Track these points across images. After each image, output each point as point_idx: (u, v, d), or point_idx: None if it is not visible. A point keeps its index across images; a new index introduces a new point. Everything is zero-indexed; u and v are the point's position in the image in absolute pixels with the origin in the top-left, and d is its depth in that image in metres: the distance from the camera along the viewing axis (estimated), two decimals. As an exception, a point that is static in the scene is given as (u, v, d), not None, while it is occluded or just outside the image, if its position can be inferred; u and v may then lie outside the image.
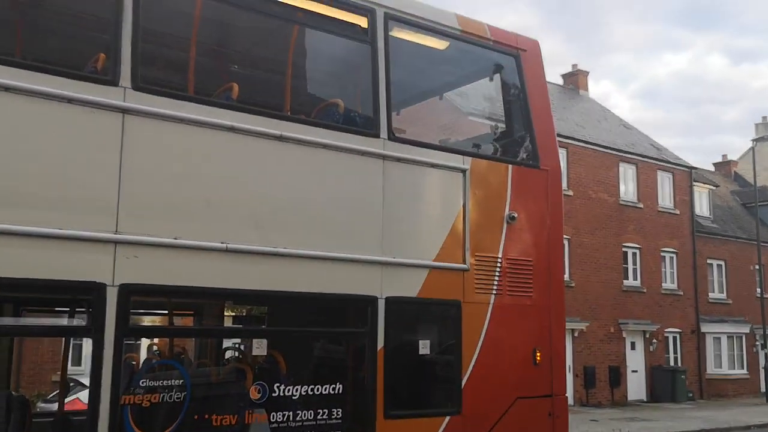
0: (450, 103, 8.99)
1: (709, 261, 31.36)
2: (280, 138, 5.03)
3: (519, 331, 6.19)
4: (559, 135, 20.05)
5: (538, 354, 6.20)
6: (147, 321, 5.97)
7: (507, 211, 6.23)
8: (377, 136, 5.54)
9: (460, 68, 7.18)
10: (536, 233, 6.46)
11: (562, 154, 15.52)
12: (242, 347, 5.98)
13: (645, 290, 28.27)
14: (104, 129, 4.37)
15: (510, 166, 6.43)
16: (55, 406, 9.85)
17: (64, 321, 5.19)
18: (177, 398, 4.61)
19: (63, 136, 4.26)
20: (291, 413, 4.94)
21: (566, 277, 23.41)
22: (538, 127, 6.62)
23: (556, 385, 6.32)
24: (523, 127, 6.71)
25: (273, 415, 4.89)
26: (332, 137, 5.30)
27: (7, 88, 4.04)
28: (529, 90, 6.65)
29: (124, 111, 4.41)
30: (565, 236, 6.73)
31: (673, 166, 30.36)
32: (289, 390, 5.01)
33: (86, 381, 8.13)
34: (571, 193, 25.56)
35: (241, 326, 6.46)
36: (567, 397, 6.55)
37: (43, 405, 11.04)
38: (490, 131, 7.32)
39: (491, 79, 6.90)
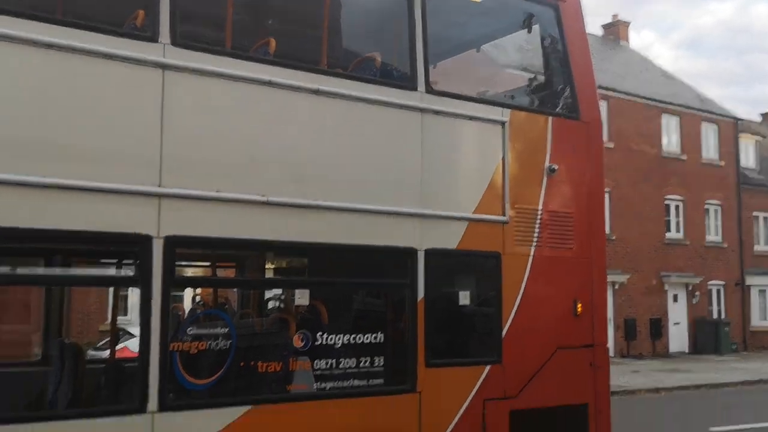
0: (487, 55, 8.84)
1: (755, 213, 30.73)
2: (317, 92, 5.05)
3: (559, 283, 6.20)
4: (600, 87, 19.62)
5: (579, 305, 6.22)
6: (191, 272, 6.13)
7: (547, 164, 6.20)
8: (415, 89, 5.51)
9: (498, 20, 7.06)
10: (576, 186, 6.42)
11: (602, 106, 15.22)
12: (284, 298, 6.11)
13: (688, 243, 27.90)
14: (145, 84, 4.44)
15: (550, 118, 6.37)
16: (103, 354, 10.28)
17: (113, 272, 5.35)
18: (223, 346, 4.76)
19: (106, 92, 4.35)
20: (333, 361, 5.07)
21: (607, 230, 23.16)
22: (578, 79, 6.52)
23: (597, 335, 6.34)
24: (563, 79, 6.62)
25: (316, 363, 5.02)
26: (369, 91, 5.30)
27: (50, 45, 4.12)
28: (568, 41, 6.53)
29: (164, 67, 4.47)
30: (606, 189, 6.67)
31: (718, 117, 29.57)
32: (331, 339, 5.13)
33: (133, 330, 8.43)
34: (612, 145, 25.13)
35: (283, 277, 6.58)
36: (608, 347, 6.57)
37: (92, 353, 11.49)
38: (529, 83, 7.22)
39: (530, 31, 6.77)
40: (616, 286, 25.42)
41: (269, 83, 4.85)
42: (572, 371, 6.18)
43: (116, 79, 4.36)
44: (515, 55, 13.16)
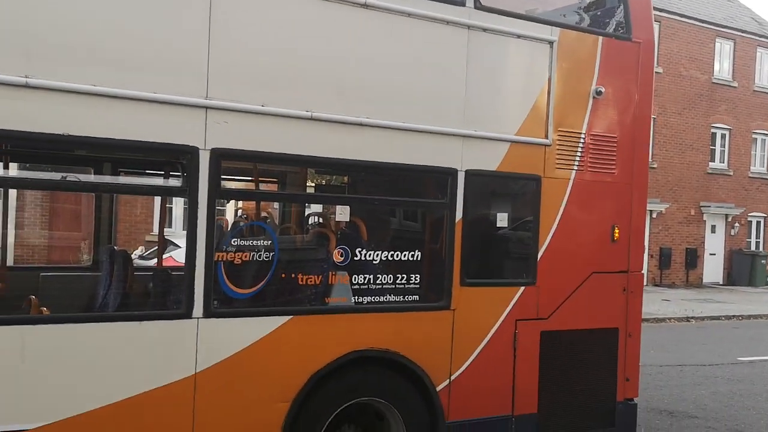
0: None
1: (805, 145, 29.74)
2: (365, 5, 4.97)
3: (598, 208, 6.18)
4: (654, 7, 18.82)
5: (617, 231, 6.22)
6: (236, 185, 6.24)
7: (594, 86, 6.07)
8: (463, 4, 5.39)
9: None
10: (623, 109, 6.29)
11: (654, 27, 14.66)
12: (325, 214, 6.21)
13: (731, 173, 27.28)
14: None
15: (600, 38, 6.18)
16: (148, 263, 10.63)
17: (161, 182, 5.47)
18: (266, 258, 4.89)
19: (155, 4, 4.33)
20: (371, 276, 5.18)
21: (649, 157, 22.72)
22: (632, -6, 6.28)
23: (632, 262, 6.35)
24: (617, -5, 6.37)
25: (354, 278, 5.14)
26: (417, 5, 5.19)
27: None
28: None
29: None
30: (651, 115, 6.52)
31: (776, 42, 28.25)
32: (369, 255, 5.23)
33: (178, 242, 8.66)
34: (660, 70, 24.32)
35: (325, 193, 6.66)
36: (643, 274, 6.59)
37: (139, 261, 11.89)
38: (581, 1, 6.97)
39: (583, -55, 6.49)
40: (654, 215, 25.14)
41: None
42: (605, 296, 6.23)
43: None
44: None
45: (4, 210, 6.52)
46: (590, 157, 6.08)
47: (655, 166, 24.40)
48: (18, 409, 4.00)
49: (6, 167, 5.45)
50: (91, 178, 5.50)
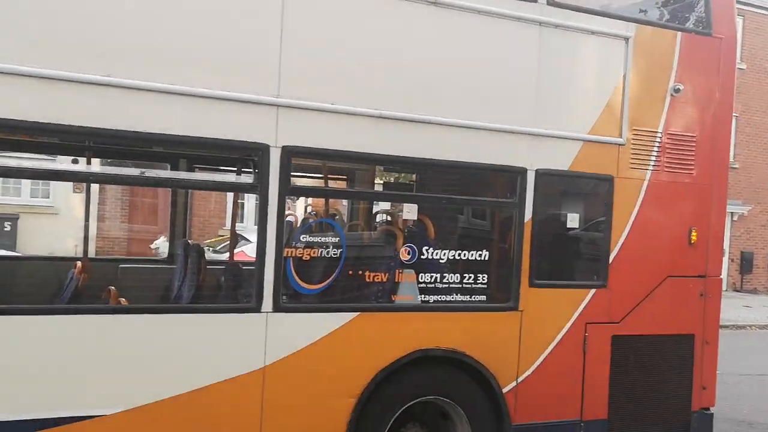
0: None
1: None
2: (435, 3, 4.95)
3: (675, 209, 5.98)
4: (736, 1, 18.09)
5: (694, 233, 6.00)
6: (305, 182, 6.33)
7: (672, 83, 5.87)
8: (535, 0, 5.30)
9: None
10: (702, 107, 6.06)
11: (737, 22, 14.08)
12: (392, 212, 6.23)
13: (820, 175, 25.91)
14: None
15: (679, 33, 5.97)
16: (220, 257, 10.92)
17: (233, 178, 5.60)
18: (334, 254, 4.93)
19: (230, 2, 4.43)
20: (438, 275, 5.16)
21: (731, 157, 21.86)
22: (713, -11, 6.05)
23: (710, 266, 6.12)
24: (700, -12, 6.15)
25: (421, 276, 5.13)
26: (487, 2, 5.14)
27: None
28: None
29: None
30: (733, 113, 6.26)
31: None
32: (436, 254, 5.21)
33: (248, 236, 8.85)
34: (744, 66, 23.31)
35: (393, 191, 6.67)
36: (721, 279, 6.34)
37: (211, 255, 12.23)
38: (659, -6, 6.75)
39: (664, -63, 6.29)
40: (735, 218, 24.14)
41: None
42: (681, 300, 6.03)
43: None
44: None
45: (87, 204, 6.82)
46: (667, 157, 5.89)
47: (737, 166, 23.43)
48: (98, 396, 4.17)
49: (89, 163, 5.69)
50: (168, 173, 5.68)
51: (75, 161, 5.68)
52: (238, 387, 4.48)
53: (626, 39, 5.66)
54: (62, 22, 4.03)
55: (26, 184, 15.68)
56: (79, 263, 5.63)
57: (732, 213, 23.70)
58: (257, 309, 4.52)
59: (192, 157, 5.99)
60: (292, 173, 4.65)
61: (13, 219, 15.72)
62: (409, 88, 4.96)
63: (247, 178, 5.07)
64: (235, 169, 5.87)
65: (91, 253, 7.54)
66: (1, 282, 5.73)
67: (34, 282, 5.88)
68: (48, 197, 15.44)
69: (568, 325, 5.56)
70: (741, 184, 23.64)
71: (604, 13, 5.85)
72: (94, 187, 12.45)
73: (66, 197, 14.29)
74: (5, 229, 15.24)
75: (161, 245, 13.11)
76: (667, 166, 5.90)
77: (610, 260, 5.71)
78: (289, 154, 4.56)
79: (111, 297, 4.81)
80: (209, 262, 5.96)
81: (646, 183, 5.81)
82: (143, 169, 4.87)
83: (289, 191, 4.64)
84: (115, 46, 4.14)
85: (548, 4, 5.34)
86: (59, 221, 15.03)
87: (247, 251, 8.19)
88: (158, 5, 4.27)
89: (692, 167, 6.01)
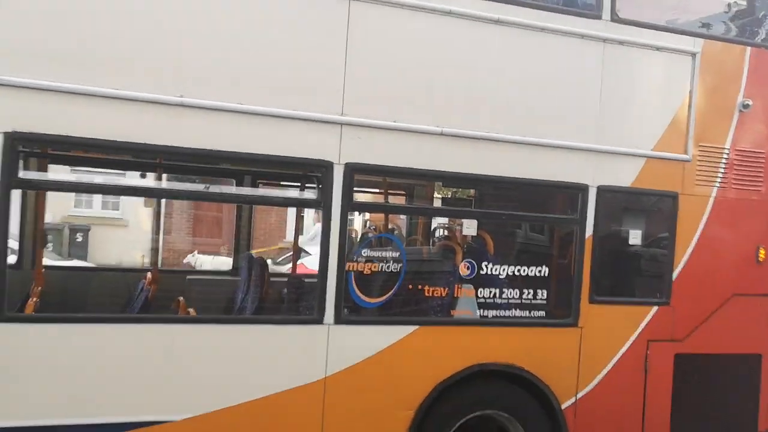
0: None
1: None
2: (498, 22, 5.00)
3: (742, 227, 5.84)
4: (810, 10, 17.40)
5: (762, 251, 5.85)
6: (367, 198, 6.44)
7: (740, 98, 5.76)
8: (599, 17, 5.29)
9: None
10: (772, 123, 5.92)
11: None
12: (451, 227, 6.28)
13: None
14: (331, 16, 4.61)
15: (748, 48, 5.86)
16: (281, 269, 11.13)
17: (299, 194, 5.75)
18: (394, 269, 5.01)
19: (296, 24, 4.58)
20: (497, 291, 5.18)
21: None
22: (786, 1, 5.92)
23: (779, 284, 5.95)
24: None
25: (480, 291, 5.16)
26: (550, 20, 5.16)
27: None
28: None
29: None
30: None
31: None
32: (496, 269, 5.23)
33: (309, 249, 9.00)
34: (817, 77, 22.41)
35: (453, 207, 6.73)
36: (791, 298, 6.15)
37: (272, 267, 12.46)
38: (727, 9, 6.63)
39: (730, -50, 6.19)
40: (807, 234, 23.19)
41: (449, 13, 4.86)
42: (748, 319, 5.88)
43: (307, 10, 4.57)
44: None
45: (157, 218, 7.10)
46: (734, 174, 5.78)
47: (809, 181, 22.52)
48: (167, 402, 4.34)
49: (159, 179, 5.94)
50: (239, 190, 5.87)
51: (143, 176, 5.93)
52: (300, 396, 4.59)
53: (693, 54, 5.59)
54: (142, 47, 4.25)
55: (98, 196, 16.29)
56: (149, 274, 5.86)
57: (804, 230, 22.77)
58: (320, 321, 4.63)
59: (257, 173, 6.18)
60: (354, 189, 4.75)
61: (85, 230, 16.36)
62: (471, 105, 5.00)
63: (311, 194, 5.20)
64: (299, 184, 6.03)
65: (159, 264, 7.80)
66: (76, 291, 5.99)
67: (106, 291, 6.15)
68: (118, 209, 16.04)
69: (629, 342, 5.49)
70: (814, 199, 22.68)
71: (669, 28, 5.79)
72: (162, 201, 12.88)
73: (135, 210, 14.82)
74: (77, 240, 15.88)
75: (196, 259, 13.47)
76: (734, 183, 5.78)
77: (674, 277, 5.62)
78: (352, 170, 4.67)
79: (180, 307, 4.99)
80: (273, 275, 6.11)
81: (712, 200, 5.71)
82: (216, 185, 5.06)
83: (351, 207, 4.74)
84: (189, 70, 4.33)
85: (612, 20, 5.31)
86: (128, 233, 15.60)
87: (307, 264, 8.35)
88: (232, 31, 4.44)
89: (760, 184, 5.87)
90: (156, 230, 7.29)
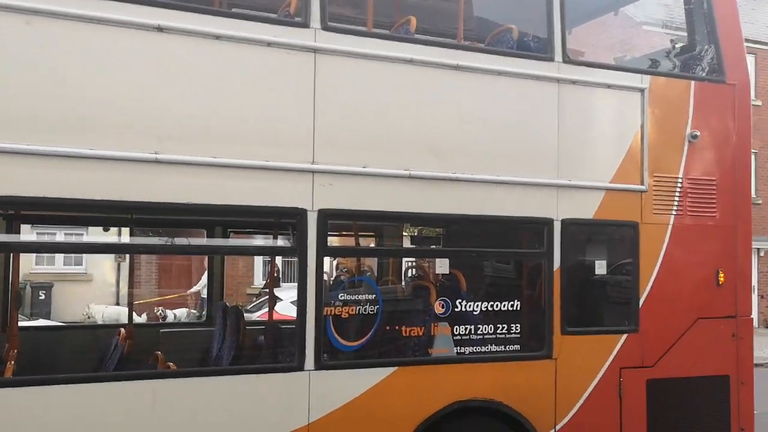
0: (626, 17, 8.60)
1: None
2: (457, 67, 5.20)
3: (701, 252, 6.07)
4: (747, 40, 18.28)
5: (722, 275, 6.08)
6: (338, 242, 6.52)
7: (689, 130, 6.04)
8: (551, 59, 5.54)
9: (639, -20, 6.87)
10: (721, 151, 6.21)
11: (749, 61, 14.38)
12: (424, 267, 6.39)
13: (844, 206, 25.67)
14: (299, 69, 4.76)
15: (692, 82, 6.17)
16: (252, 316, 11.07)
17: (271, 242, 5.81)
18: (371, 311, 5.09)
19: (265, 78, 4.70)
20: (472, 327, 5.29)
21: (753, 193, 21.72)
22: (724, 39, 6.26)
23: (740, 306, 6.17)
24: (708, 38, 6.37)
25: (456, 329, 5.27)
26: (507, 64, 5.39)
27: (218, 37, 4.52)
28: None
29: (315, 50, 4.77)
30: (752, 150, 6.41)
31: None
32: (469, 306, 5.35)
33: (280, 294, 8.99)
34: (759, 103, 23.40)
35: (426, 247, 6.86)
36: (752, 318, 6.39)
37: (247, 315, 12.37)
38: (670, 45, 6.99)
39: (672, -11, 6.56)
40: (761, 254, 23.91)
41: (411, 61, 5.05)
42: (713, 342, 6.07)
43: (273, 64, 4.71)
44: (654, 13, 12.58)
45: (130, 273, 7.07)
46: (689, 201, 6.02)
47: (759, 202, 23.32)
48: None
49: (132, 234, 5.95)
50: (214, 241, 5.90)
51: (106, 230, 5.92)
52: None
53: (641, 90, 5.86)
54: (116, 105, 4.32)
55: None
56: (122, 330, 5.82)
57: (758, 249, 23.49)
58: (300, 368, 4.67)
59: (229, 222, 6.23)
60: (328, 234, 4.85)
61: (48, 287, 16.03)
62: (437, 147, 5.17)
63: (285, 242, 5.28)
64: (271, 233, 6.09)
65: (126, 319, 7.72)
66: (48, 351, 5.91)
67: (78, 349, 6.07)
68: (81, 264, 15.80)
69: (603, 370, 5.63)
70: (765, 219, 23.48)
71: (618, 66, 6.09)
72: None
73: (99, 263, 14.64)
74: (40, 297, 15.56)
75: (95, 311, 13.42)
76: (690, 210, 6.02)
77: (640, 305, 5.80)
78: (325, 216, 4.78)
79: (159, 362, 4.98)
80: (248, 323, 6.12)
81: (670, 227, 5.94)
82: (187, 238, 5.10)
83: (326, 252, 4.83)
84: (164, 127, 4.42)
85: (564, 61, 5.56)
86: (92, 288, 15.34)
87: (280, 309, 8.35)
88: (204, 88, 4.54)
89: (715, 210, 6.13)
90: (131, 285, 7.23)
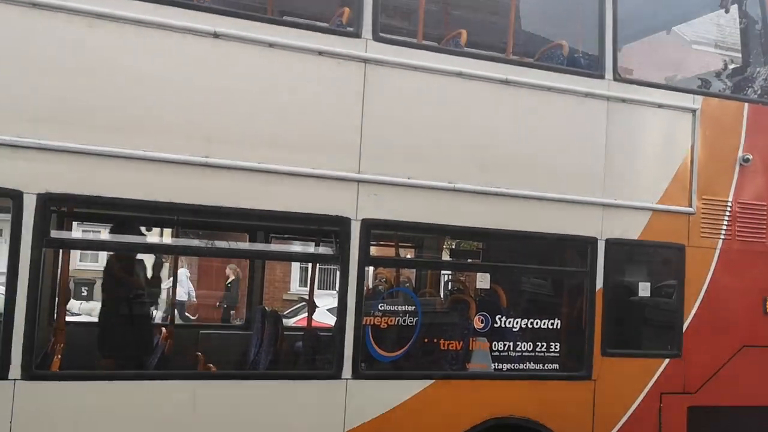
0: (677, 36, 8.47)
1: None
2: (506, 82, 5.19)
3: (748, 278, 5.93)
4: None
5: (769, 302, 5.94)
6: (381, 252, 6.54)
7: (740, 153, 5.93)
8: (602, 77, 5.49)
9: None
10: (772, 175, 6.07)
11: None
12: (465, 280, 6.37)
13: None
14: (349, 78, 4.79)
15: (745, 104, 6.06)
16: (288, 322, 11.14)
17: (318, 249, 5.86)
18: (410, 322, 5.09)
19: (315, 86, 4.75)
20: (511, 344, 5.25)
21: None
22: (779, 59, 6.14)
23: (787, 335, 6.01)
24: (763, 60, 6.26)
25: (494, 344, 5.23)
26: (556, 80, 5.35)
27: (271, 44, 4.59)
28: None
29: (366, 61, 4.81)
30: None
31: None
32: (509, 322, 5.30)
33: (318, 302, 9.03)
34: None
35: (467, 260, 6.83)
36: (800, 348, 6.20)
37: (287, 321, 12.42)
38: (724, 66, 6.87)
39: (727, 11, 6.45)
40: (808, 282, 23.21)
41: (460, 74, 5.05)
42: (759, 371, 5.92)
43: (324, 73, 4.75)
44: (708, 33, 12.36)
45: (174, 274, 7.18)
46: (738, 226, 5.91)
47: (808, 229, 22.66)
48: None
49: (176, 236, 6.04)
50: (255, 245, 5.95)
51: (149, 230, 6.01)
52: None
53: (693, 111, 5.77)
54: (171, 110, 4.41)
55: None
56: (164, 329, 5.91)
57: (805, 278, 22.80)
58: (337, 376, 4.68)
59: (272, 228, 6.29)
60: (370, 243, 4.86)
61: (91, 284, 16.32)
62: (482, 161, 5.16)
63: (327, 249, 5.31)
64: (313, 240, 6.13)
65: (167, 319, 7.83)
66: (91, 347, 6.02)
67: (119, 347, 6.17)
68: (96, 262, 16.01)
69: (643, 394, 5.53)
70: (813, 247, 22.80)
71: (669, 86, 6.01)
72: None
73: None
74: (82, 294, 15.84)
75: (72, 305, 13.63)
76: (738, 235, 5.90)
77: (684, 329, 5.69)
78: (369, 226, 4.79)
79: (200, 363, 5.04)
80: (286, 328, 6.16)
81: (717, 252, 5.82)
82: (233, 242, 5.17)
83: (368, 262, 4.85)
84: (217, 130, 4.49)
85: (615, 79, 5.51)
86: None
87: (316, 317, 8.38)
88: (256, 94, 4.61)
89: (764, 235, 5.99)
90: (174, 286, 7.34)
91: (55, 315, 5.81)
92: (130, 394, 4.30)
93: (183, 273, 14.04)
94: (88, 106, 4.23)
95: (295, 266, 15.79)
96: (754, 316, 5.94)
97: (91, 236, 5.64)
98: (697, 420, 5.66)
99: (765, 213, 6.01)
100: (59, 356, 4.57)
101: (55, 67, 4.16)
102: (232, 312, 13.38)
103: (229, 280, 13.71)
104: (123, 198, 4.29)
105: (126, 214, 5.05)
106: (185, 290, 13.98)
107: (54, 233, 4.46)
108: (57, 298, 5.83)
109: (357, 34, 4.81)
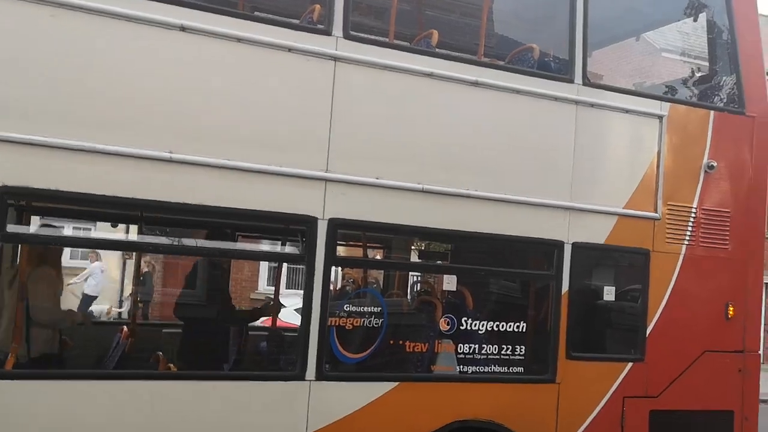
0: (646, 43, 8.58)
1: None
2: (476, 84, 5.18)
3: (711, 284, 6.01)
4: None
5: (731, 308, 6.01)
6: (346, 252, 6.48)
7: (705, 160, 5.99)
8: (571, 81, 5.51)
9: (662, 7, 6.85)
10: (736, 183, 6.16)
11: None
12: (431, 282, 6.34)
13: None
14: (318, 76, 4.74)
15: (712, 112, 6.13)
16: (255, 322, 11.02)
17: (283, 248, 5.79)
18: (375, 324, 5.05)
19: (283, 83, 4.69)
20: (477, 346, 5.24)
21: (766, 228, 21.52)
22: (745, 70, 6.22)
23: (748, 341, 6.09)
24: (729, 69, 6.34)
25: (460, 347, 5.21)
26: (526, 83, 5.36)
27: (239, 39, 4.52)
28: (738, 29, 6.22)
29: (336, 59, 4.76)
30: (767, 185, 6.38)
31: None
32: (475, 324, 5.29)
33: (283, 301, 8.94)
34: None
35: (433, 262, 6.81)
36: (760, 354, 6.31)
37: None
38: (691, 74, 6.96)
39: (695, 19, 6.53)
40: (770, 288, 23.76)
41: (430, 75, 5.03)
42: (719, 376, 5.99)
43: (293, 70, 4.69)
44: (676, 41, 12.55)
45: (136, 271, 7.05)
46: (702, 232, 5.97)
47: (770, 236, 23.18)
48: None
49: (141, 233, 5.93)
50: (218, 244, 5.85)
51: (114, 226, 5.89)
52: None
53: (660, 117, 5.82)
54: (135, 105, 4.31)
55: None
56: (125, 328, 5.79)
57: None
58: (301, 377, 4.62)
59: (238, 226, 6.19)
60: (337, 243, 4.81)
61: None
62: (451, 163, 5.14)
63: (293, 249, 5.25)
64: (279, 238, 6.06)
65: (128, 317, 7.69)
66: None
67: (79, 345, 6.03)
68: (87, 259, 15.70)
69: (606, 398, 5.56)
70: (775, 254, 23.32)
71: (637, 92, 6.06)
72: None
73: (105, 260, 14.55)
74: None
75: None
76: (702, 241, 5.97)
77: (647, 334, 5.73)
78: (336, 226, 4.74)
79: (160, 363, 4.94)
80: (251, 329, 6.08)
81: (681, 257, 5.88)
82: (198, 240, 5.08)
83: (334, 262, 4.80)
84: (180, 126, 4.41)
85: (584, 84, 5.54)
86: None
87: (282, 317, 8.29)
88: (223, 90, 4.54)
89: (727, 242, 6.07)
90: (136, 284, 7.20)
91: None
92: (85, 394, 4.18)
93: (97, 267, 13.79)
94: (47, 98, 4.11)
95: (264, 265, 15.62)
96: (716, 322, 6.01)
97: (49, 232, 5.42)
98: (658, 423, 5.70)
99: (728, 220, 6.08)
100: (13, 356, 4.44)
101: (11, 58, 4.03)
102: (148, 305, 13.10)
103: (143, 272, 13.39)
104: (84, 193, 4.18)
105: (87, 209, 4.93)
106: (98, 284, 13.69)
107: (11, 228, 4.32)
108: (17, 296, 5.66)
109: (327, 32, 4.75)
